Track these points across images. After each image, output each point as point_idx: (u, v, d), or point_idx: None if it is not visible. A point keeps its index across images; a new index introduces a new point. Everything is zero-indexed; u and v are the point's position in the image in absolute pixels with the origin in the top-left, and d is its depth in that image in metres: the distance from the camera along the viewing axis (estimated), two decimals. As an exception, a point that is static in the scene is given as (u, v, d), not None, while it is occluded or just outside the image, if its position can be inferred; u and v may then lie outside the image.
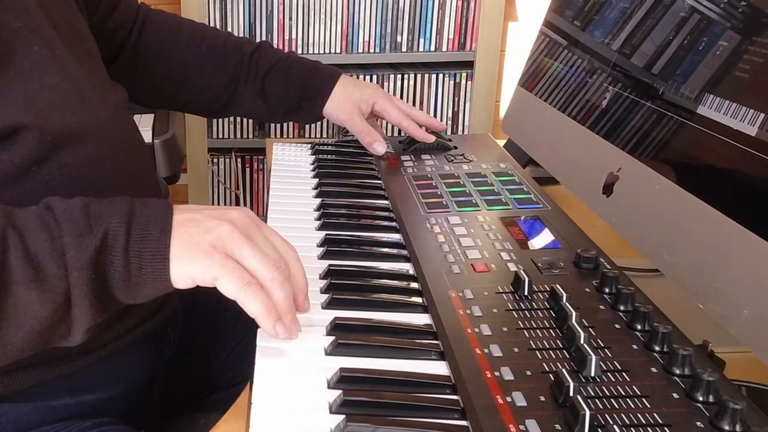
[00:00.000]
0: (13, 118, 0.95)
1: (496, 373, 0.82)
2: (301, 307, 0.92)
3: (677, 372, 0.82)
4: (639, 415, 0.76)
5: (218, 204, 3.20)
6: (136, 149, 1.18)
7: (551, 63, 1.51)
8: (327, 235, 1.16)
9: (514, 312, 0.94)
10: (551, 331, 0.90)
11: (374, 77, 3.05)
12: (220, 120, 3.07)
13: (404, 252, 1.14)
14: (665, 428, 0.74)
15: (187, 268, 0.86)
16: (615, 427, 0.72)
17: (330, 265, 1.07)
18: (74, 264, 0.83)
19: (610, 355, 0.85)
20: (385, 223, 1.23)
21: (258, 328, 0.90)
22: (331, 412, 0.79)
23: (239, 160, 3.16)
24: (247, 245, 0.87)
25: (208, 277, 0.86)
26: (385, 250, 1.15)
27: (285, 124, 3.08)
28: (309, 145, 1.61)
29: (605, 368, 0.83)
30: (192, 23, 1.53)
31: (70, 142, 1.02)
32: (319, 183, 1.39)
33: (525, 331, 0.90)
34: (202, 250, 0.85)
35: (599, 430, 0.73)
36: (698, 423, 0.75)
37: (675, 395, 0.78)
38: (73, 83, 1.06)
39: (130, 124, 1.21)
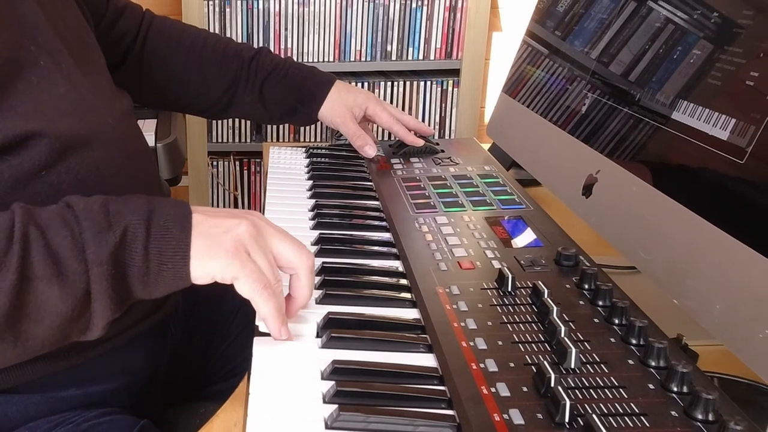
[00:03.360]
0: (23, 127, 0.95)
1: (481, 365, 0.82)
2: (287, 312, 0.92)
3: (653, 364, 0.82)
4: (617, 404, 0.76)
5: (217, 204, 3.19)
6: (141, 154, 1.18)
7: (533, 71, 1.51)
8: (321, 234, 1.16)
9: (498, 307, 0.94)
10: (533, 325, 0.90)
11: (365, 84, 3.05)
12: (220, 125, 3.07)
13: (394, 250, 1.13)
14: (642, 417, 0.74)
15: (209, 266, 0.86)
16: (594, 416, 0.71)
17: (324, 263, 1.07)
18: (94, 259, 0.82)
19: (589, 347, 0.85)
20: (376, 223, 1.23)
21: (255, 324, 0.91)
22: (324, 402, 0.79)
23: (237, 162, 3.15)
24: (261, 250, 0.87)
25: (228, 276, 0.85)
26: (376, 248, 1.15)
27: (281, 129, 3.08)
28: (304, 149, 1.61)
29: (584, 360, 0.83)
30: (194, 29, 1.53)
31: (78, 147, 1.01)
32: (314, 185, 1.39)
33: (508, 325, 0.90)
34: (224, 248, 0.85)
35: (579, 419, 0.73)
36: (673, 412, 0.75)
37: (651, 386, 0.78)
38: (80, 93, 1.06)
39: (136, 130, 1.20)
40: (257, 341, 0.89)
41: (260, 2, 2.91)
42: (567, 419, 0.73)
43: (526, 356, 0.84)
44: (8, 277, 0.79)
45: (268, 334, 0.90)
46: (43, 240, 0.82)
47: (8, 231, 0.81)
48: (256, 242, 0.87)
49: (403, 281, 1.04)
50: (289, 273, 0.91)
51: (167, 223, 0.86)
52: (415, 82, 3.08)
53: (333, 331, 0.90)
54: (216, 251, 0.85)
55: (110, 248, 0.83)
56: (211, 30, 2.87)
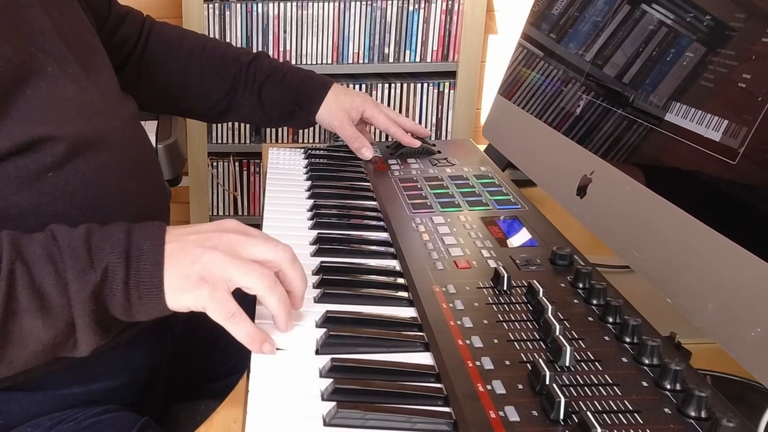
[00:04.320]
0: (32, 132, 0.96)
1: (477, 363, 0.82)
2: (293, 306, 0.92)
3: (646, 362, 0.82)
4: (611, 402, 0.76)
5: (217, 204, 3.19)
6: (146, 156, 1.18)
7: (529, 73, 1.51)
8: (319, 233, 1.16)
9: (493, 306, 0.94)
10: (528, 323, 0.90)
11: (363, 86, 3.05)
12: (219, 126, 3.07)
13: (391, 250, 1.13)
14: (635, 414, 0.74)
15: (181, 299, 0.87)
16: (588, 413, 0.71)
17: (322, 262, 1.07)
18: (77, 297, 0.84)
19: (583, 346, 0.85)
20: (374, 223, 1.23)
21: (255, 321, 0.91)
22: (323, 399, 0.79)
23: (237, 163, 3.15)
24: (231, 266, 0.87)
25: (200, 306, 0.87)
26: (374, 247, 1.15)
27: (280, 130, 3.08)
28: (302, 150, 1.61)
29: (579, 358, 0.83)
30: (194, 34, 1.53)
31: (86, 149, 1.02)
32: (312, 185, 1.39)
33: (504, 324, 0.90)
34: (192, 282, 0.86)
35: (573, 415, 0.73)
36: (666, 409, 0.75)
37: (644, 383, 0.78)
38: (87, 96, 1.06)
39: (141, 133, 1.20)
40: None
41: (259, 5, 2.91)
42: (562, 416, 0.73)
43: (522, 354, 0.84)
44: None
45: (268, 324, 0.90)
46: (28, 276, 0.84)
47: None
48: (225, 263, 0.87)
49: (401, 280, 1.04)
50: (274, 270, 0.91)
51: (141, 257, 0.87)
52: (412, 84, 3.08)
53: (331, 329, 0.90)
54: (185, 284, 0.87)
55: (91, 287, 0.85)
56: (211, 33, 2.89)
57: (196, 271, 0.86)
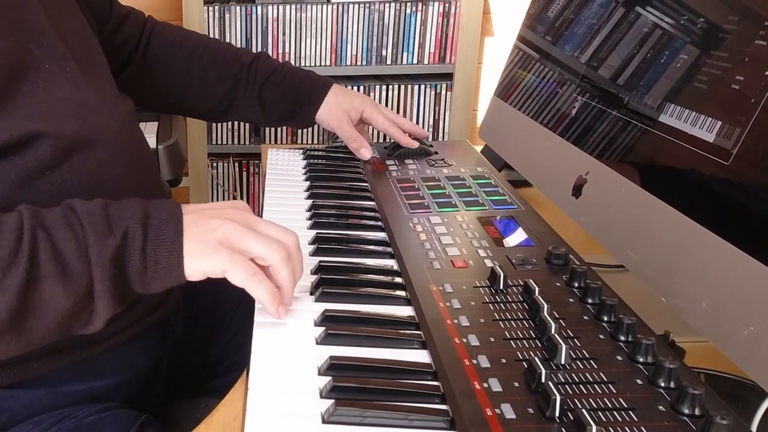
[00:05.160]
0: (28, 127, 0.96)
1: (474, 361, 0.81)
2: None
3: (641, 360, 0.82)
4: (606, 399, 0.76)
5: (217, 205, 3.19)
6: (143, 155, 1.18)
7: (525, 75, 1.51)
8: (318, 233, 1.16)
9: (490, 304, 0.94)
10: (524, 322, 0.90)
11: (361, 88, 3.05)
12: (219, 127, 3.07)
13: (389, 249, 1.13)
14: (630, 412, 0.74)
15: (199, 264, 0.89)
16: (583, 410, 0.71)
17: (320, 262, 1.06)
18: (97, 261, 0.85)
19: (578, 344, 0.85)
20: (372, 223, 1.23)
21: (254, 320, 0.92)
22: (321, 396, 0.78)
23: (237, 164, 3.15)
24: (251, 235, 0.90)
25: (219, 270, 0.88)
26: (372, 247, 1.15)
27: (279, 131, 3.08)
28: (301, 151, 1.61)
29: (574, 356, 0.83)
30: (195, 35, 1.53)
31: (82, 148, 1.02)
32: (311, 185, 1.38)
33: (500, 322, 0.90)
34: (211, 247, 0.88)
35: (569, 413, 0.73)
36: (660, 407, 0.75)
37: (639, 381, 0.78)
38: (83, 95, 1.06)
39: (137, 133, 1.20)
40: (256, 338, 0.89)
41: (259, 8, 2.91)
42: (557, 414, 0.73)
43: (518, 352, 0.84)
44: (17, 276, 0.82)
45: (267, 322, 0.91)
46: (50, 242, 0.84)
47: (18, 232, 0.84)
48: (243, 232, 0.90)
49: (398, 279, 1.04)
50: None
51: (161, 225, 0.89)
52: (409, 86, 3.09)
53: (330, 327, 0.90)
54: (204, 249, 0.88)
55: (111, 251, 0.86)
56: (211, 34, 2.89)
57: (215, 237, 0.89)
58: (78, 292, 0.85)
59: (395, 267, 1.08)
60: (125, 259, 0.87)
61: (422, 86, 3.09)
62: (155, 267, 0.88)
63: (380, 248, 1.14)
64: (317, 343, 0.88)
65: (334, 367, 0.83)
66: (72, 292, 0.84)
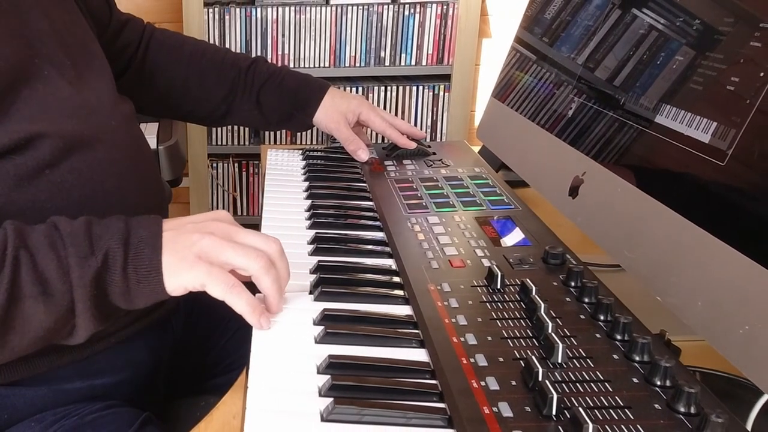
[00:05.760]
0: (28, 129, 0.97)
1: (471, 360, 0.81)
2: (275, 297, 0.93)
3: (637, 359, 0.82)
4: (602, 397, 0.76)
5: (216, 204, 3.19)
6: (143, 156, 1.18)
7: (522, 76, 1.51)
8: (317, 233, 1.16)
9: (487, 304, 0.94)
10: (521, 321, 0.90)
11: (360, 89, 3.05)
12: (219, 128, 3.07)
13: (387, 249, 1.13)
14: (626, 410, 0.74)
15: (179, 279, 0.89)
16: (580, 409, 0.71)
17: (319, 261, 1.06)
18: (78, 282, 0.86)
19: (575, 343, 0.85)
20: (370, 223, 1.23)
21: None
22: (320, 395, 0.78)
23: (236, 164, 3.15)
24: (228, 247, 0.90)
25: (198, 284, 0.89)
26: (370, 247, 1.15)
27: (278, 132, 3.08)
28: (300, 151, 1.61)
29: (571, 355, 0.83)
30: (193, 40, 1.53)
31: (81, 148, 1.02)
32: (310, 186, 1.39)
33: (498, 321, 0.90)
34: (189, 262, 0.88)
35: (566, 411, 0.73)
36: (656, 405, 0.75)
37: (635, 380, 0.78)
38: (83, 96, 1.06)
39: (138, 133, 1.21)
40: (255, 336, 0.89)
41: (258, 10, 2.91)
42: (554, 412, 0.73)
43: (515, 351, 0.84)
44: None
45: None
46: (31, 263, 0.85)
47: (1, 253, 0.85)
48: (221, 245, 0.90)
49: (396, 279, 1.04)
50: None
51: (139, 244, 0.89)
52: (407, 87, 3.09)
53: (329, 326, 0.90)
54: (183, 264, 0.89)
55: (92, 272, 0.86)
56: (211, 37, 2.89)
57: (194, 252, 0.89)
58: (59, 310, 0.86)
59: (393, 266, 1.08)
60: (107, 279, 0.88)
61: (420, 87, 3.09)
62: (137, 285, 0.88)
63: (379, 248, 1.14)
64: (316, 342, 0.88)
65: (332, 365, 0.82)
66: (53, 311, 0.85)
